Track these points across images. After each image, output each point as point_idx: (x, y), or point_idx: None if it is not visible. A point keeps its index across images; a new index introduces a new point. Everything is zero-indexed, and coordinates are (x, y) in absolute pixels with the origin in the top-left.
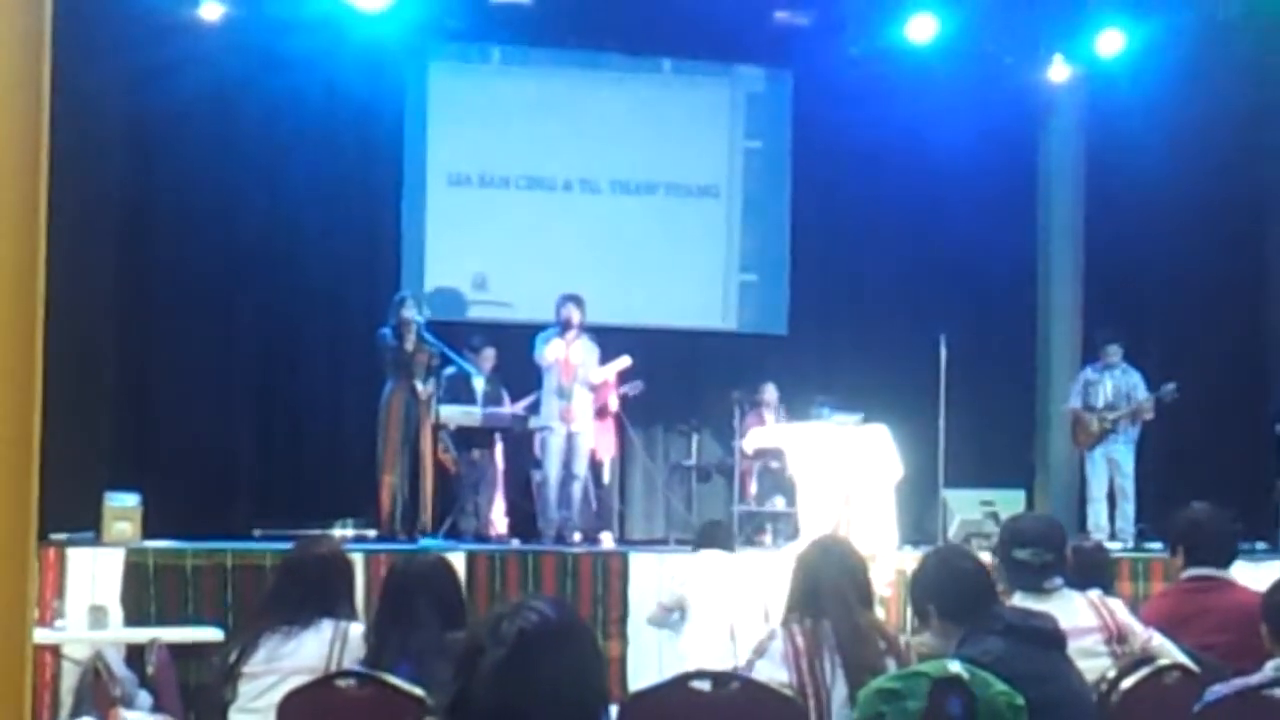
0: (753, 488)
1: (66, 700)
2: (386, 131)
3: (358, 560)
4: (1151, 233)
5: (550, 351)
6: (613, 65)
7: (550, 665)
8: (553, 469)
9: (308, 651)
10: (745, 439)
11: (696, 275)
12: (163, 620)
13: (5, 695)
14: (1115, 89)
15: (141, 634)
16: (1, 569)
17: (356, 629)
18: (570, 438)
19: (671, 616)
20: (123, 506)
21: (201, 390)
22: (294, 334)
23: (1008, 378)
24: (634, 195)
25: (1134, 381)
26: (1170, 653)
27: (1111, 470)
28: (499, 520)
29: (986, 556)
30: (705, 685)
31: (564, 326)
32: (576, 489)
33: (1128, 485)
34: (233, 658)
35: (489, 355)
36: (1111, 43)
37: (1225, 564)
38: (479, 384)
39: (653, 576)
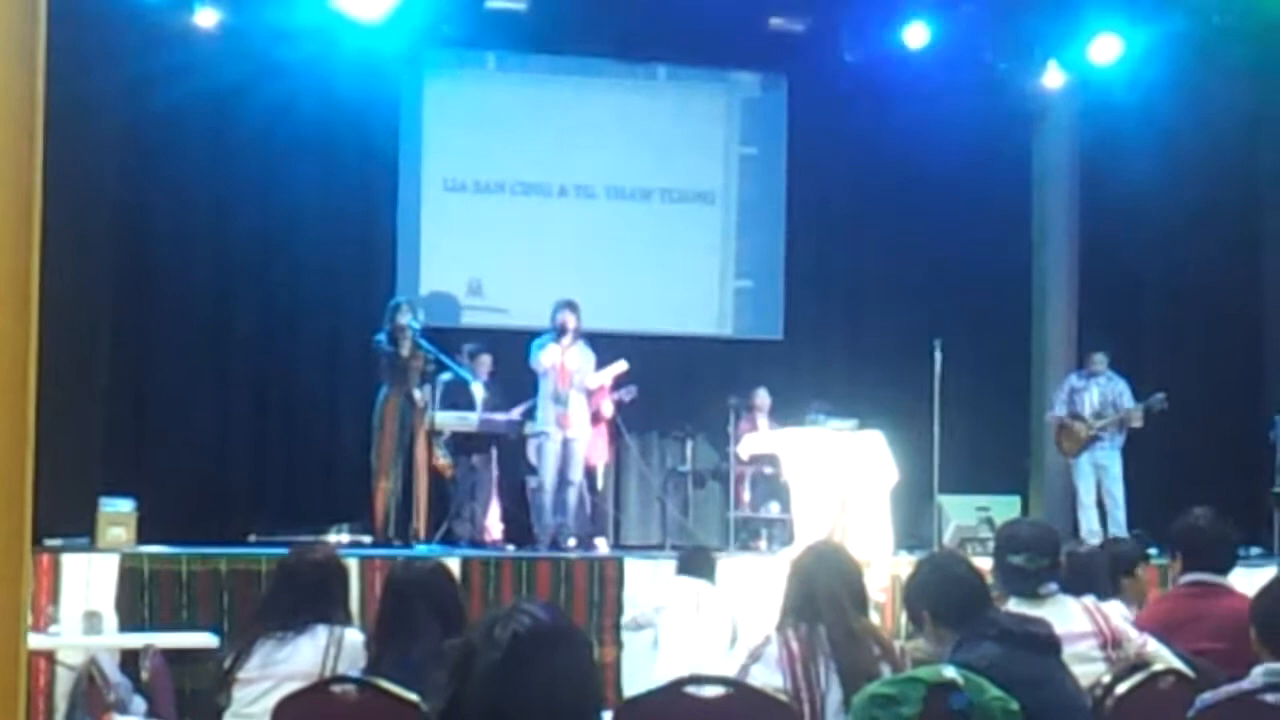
0: (747, 493)
1: (61, 706)
2: (382, 138)
3: (353, 566)
4: (1146, 239)
5: (546, 357)
6: (608, 71)
7: (543, 669)
8: (548, 475)
9: (303, 657)
10: (740, 444)
11: (692, 281)
12: (157, 626)
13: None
14: (1109, 95)
15: (136, 639)
16: None
17: (351, 635)
18: (566, 444)
19: (639, 631)
20: (117, 512)
21: (196, 396)
22: (289, 340)
23: (1002, 383)
24: (629, 201)
25: (1120, 389)
26: (1165, 658)
27: (1099, 476)
28: (494, 526)
29: (982, 562)
30: (699, 690)
31: (560, 332)
32: (572, 495)
33: (1117, 491)
34: (228, 663)
35: (485, 361)
36: (1105, 49)
37: (1224, 570)
38: (478, 390)
39: (647, 582)
